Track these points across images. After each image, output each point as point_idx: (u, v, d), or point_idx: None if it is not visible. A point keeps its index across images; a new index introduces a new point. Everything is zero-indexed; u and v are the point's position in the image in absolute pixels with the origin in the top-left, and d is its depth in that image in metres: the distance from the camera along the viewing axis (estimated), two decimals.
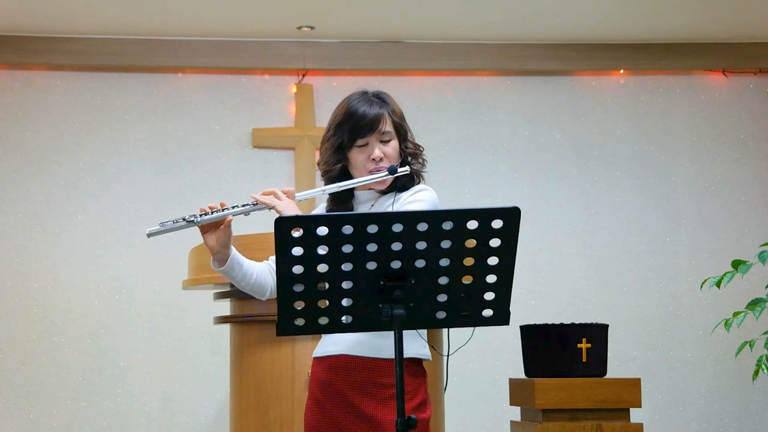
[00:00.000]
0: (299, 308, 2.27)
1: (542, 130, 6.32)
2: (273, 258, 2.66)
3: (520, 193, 6.23)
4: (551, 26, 6.03)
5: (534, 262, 6.16)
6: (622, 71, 6.40)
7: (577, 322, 4.52)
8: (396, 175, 2.69)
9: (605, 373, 4.43)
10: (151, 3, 5.58)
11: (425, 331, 2.71)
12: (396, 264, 2.23)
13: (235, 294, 4.04)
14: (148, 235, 2.65)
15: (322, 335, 2.73)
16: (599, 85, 6.39)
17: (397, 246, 2.21)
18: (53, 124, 6.03)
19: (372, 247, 2.21)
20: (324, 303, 2.26)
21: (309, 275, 2.23)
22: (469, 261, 2.25)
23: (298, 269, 2.22)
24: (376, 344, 2.62)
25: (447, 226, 2.20)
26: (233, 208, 2.62)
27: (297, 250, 2.20)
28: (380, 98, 2.76)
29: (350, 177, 2.75)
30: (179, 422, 5.88)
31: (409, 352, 2.59)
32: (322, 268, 2.22)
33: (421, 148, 2.81)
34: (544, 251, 6.20)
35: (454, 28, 6.03)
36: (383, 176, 2.69)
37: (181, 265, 4.52)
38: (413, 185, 2.76)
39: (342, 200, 2.79)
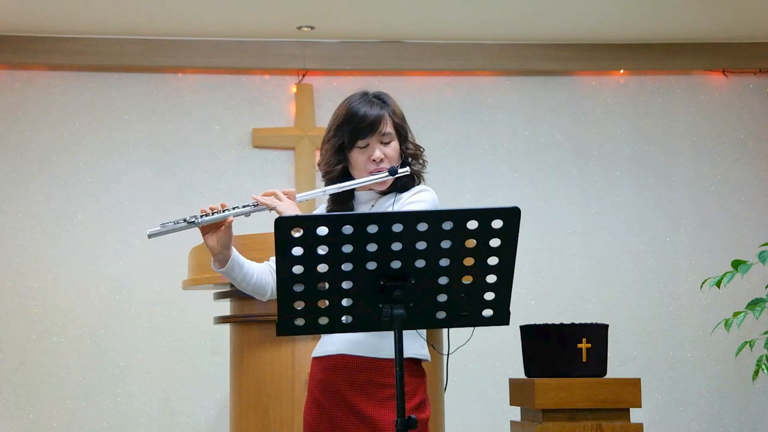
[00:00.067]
0: (299, 308, 2.27)
1: (542, 130, 6.32)
2: (273, 258, 2.66)
3: (520, 193, 6.23)
4: (551, 26, 6.03)
5: (534, 262, 6.16)
6: (622, 71, 6.39)
7: (577, 322, 4.51)
8: (396, 176, 2.69)
9: (605, 373, 4.43)
10: (151, 3, 5.58)
11: (425, 331, 2.71)
12: (396, 264, 2.23)
13: (235, 294, 4.04)
14: (149, 236, 2.65)
15: (322, 335, 2.73)
16: (599, 85, 6.39)
17: (397, 246, 2.21)
18: (53, 124, 6.03)
19: (372, 247, 2.20)
20: (324, 303, 2.26)
21: (309, 275, 2.22)
22: (469, 261, 2.25)
23: (298, 269, 2.22)
24: (375, 344, 2.61)
25: (447, 226, 2.20)
26: (234, 209, 2.62)
27: (297, 250, 2.20)
28: (381, 99, 2.76)
29: (351, 178, 2.75)
30: (179, 422, 5.88)
31: (408, 352, 2.59)
32: (322, 268, 2.22)
33: (422, 149, 2.81)
34: (544, 251, 6.20)
35: (454, 28, 6.03)
36: (384, 177, 2.69)
37: (181, 265, 4.52)
38: (414, 186, 2.76)
39: (342, 201, 2.79)
